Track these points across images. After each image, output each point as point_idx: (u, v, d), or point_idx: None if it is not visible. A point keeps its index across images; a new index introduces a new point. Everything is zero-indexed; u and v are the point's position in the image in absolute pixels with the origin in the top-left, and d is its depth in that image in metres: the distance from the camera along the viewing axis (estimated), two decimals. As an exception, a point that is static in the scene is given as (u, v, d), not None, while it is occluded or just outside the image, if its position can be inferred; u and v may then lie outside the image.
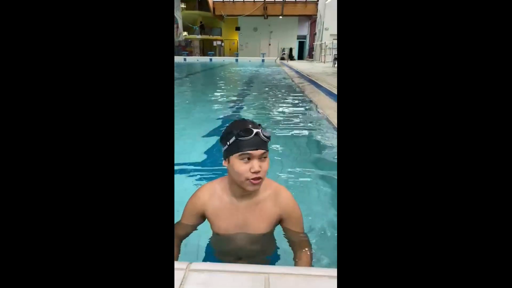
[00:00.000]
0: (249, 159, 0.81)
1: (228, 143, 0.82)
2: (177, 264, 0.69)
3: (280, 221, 0.95)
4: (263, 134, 0.81)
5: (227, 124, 0.87)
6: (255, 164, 0.80)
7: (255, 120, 0.87)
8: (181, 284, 0.63)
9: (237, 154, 0.80)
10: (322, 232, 1.35)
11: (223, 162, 0.87)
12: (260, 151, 0.81)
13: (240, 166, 0.81)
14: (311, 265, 0.90)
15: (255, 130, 0.80)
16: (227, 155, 0.84)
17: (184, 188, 1.86)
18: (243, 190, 0.86)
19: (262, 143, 0.81)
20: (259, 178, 0.82)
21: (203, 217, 0.96)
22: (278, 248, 1.03)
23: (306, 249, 0.92)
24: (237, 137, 0.80)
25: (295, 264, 0.89)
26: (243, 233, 0.93)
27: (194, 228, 0.98)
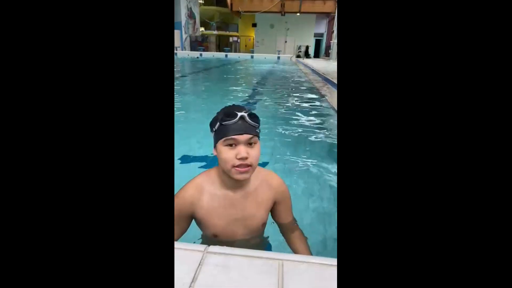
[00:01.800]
0: (234, 145, 0.75)
1: (214, 129, 0.78)
2: (195, 246, 0.73)
3: (272, 207, 0.92)
4: (249, 118, 0.75)
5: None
6: (242, 150, 0.74)
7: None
8: (199, 264, 0.67)
9: (222, 139, 0.75)
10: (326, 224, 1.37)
11: (213, 150, 0.81)
12: (246, 136, 0.75)
13: (226, 153, 0.75)
14: (309, 250, 0.92)
15: (239, 114, 0.75)
16: (214, 142, 0.79)
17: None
18: (235, 180, 0.80)
19: (249, 128, 0.75)
20: (247, 165, 0.76)
21: (190, 219, 0.87)
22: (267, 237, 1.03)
23: (300, 234, 0.93)
24: (221, 121, 0.75)
25: (293, 251, 0.91)
26: (243, 227, 0.87)
27: (182, 233, 0.88)
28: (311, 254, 0.92)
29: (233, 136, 0.74)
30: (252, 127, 0.76)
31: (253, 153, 0.77)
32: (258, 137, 0.80)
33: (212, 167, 0.89)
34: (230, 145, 0.75)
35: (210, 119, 0.82)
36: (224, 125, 0.75)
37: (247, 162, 0.76)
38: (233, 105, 0.82)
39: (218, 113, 0.80)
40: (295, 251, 0.92)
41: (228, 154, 0.76)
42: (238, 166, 0.76)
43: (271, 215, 0.95)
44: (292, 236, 0.93)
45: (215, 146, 0.80)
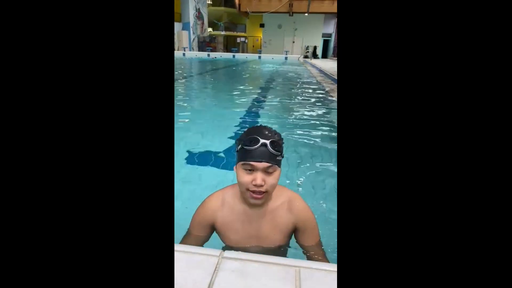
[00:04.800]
0: (251, 170, 0.75)
1: (237, 149, 0.79)
2: (210, 251, 0.73)
3: (295, 232, 0.90)
4: (271, 147, 0.74)
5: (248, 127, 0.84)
6: (258, 177, 0.74)
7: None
8: (215, 269, 0.66)
9: (241, 163, 0.77)
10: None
11: (234, 167, 0.82)
12: (264, 164, 0.74)
13: (242, 176, 0.77)
14: None
15: (262, 141, 0.74)
16: (236, 161, 0.80)
17: (198, 180, 1.91)
18: None
19: (269, 156, 0.74)
20: (261, 192, 0.76)
21: (212, 228, 0.89)
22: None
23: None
24: (243, 145, 0.76)
25: None
26: (258, 246, 0.87)
27: (205, 240, 0.90)
28: None
29: (251, 162, 0.74)
30: (273, 155, 0.75)
31: (270, 181, 0.76)
32: (279, 165, 0.78)
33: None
34: (249, 169, 0.76)
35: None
36: (245, 149, 0.75)
37: (262, 189, 0.76)
38: (263, 126, 0.81)
39: (245, 132, 0.80)
40: None
41: (245, 178, 0.77)
42: (252, 191, 0.77)
43: (295, 238, 0.92)
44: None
45: (235, 164, 0.81)
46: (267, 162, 0.74)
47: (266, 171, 0.75)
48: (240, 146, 0.77)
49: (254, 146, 0.74)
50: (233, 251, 0.73)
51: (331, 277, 0.65)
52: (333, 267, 0.68)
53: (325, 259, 0.88)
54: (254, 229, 0.86)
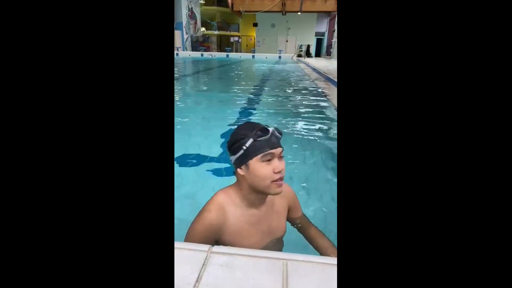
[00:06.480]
0: (269, 160, 0.76)
1: (244, 147, 0.75)
2: (199, 246, 0.73)
3: (288, 211, 0.95)
4: (277, 132, 0.78)
5: (234, 131, 0.81)
6: (279, 163, 0.76)
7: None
8: (203, 264, 0.67)
9: (259, 156, 0.75)
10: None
11: (238, 171, 0.79)
12: (279, 149, 0.77)
13: (263, 169, 0.75)
14: (331, 242, 0.93)
15: (270, 129, 0.77)
16: (243, 161, 0.77)
17: (197, 179, 1.91)
18: (262, 197, 0.82)
19: (278, 141, 0.78)
20: (282, 178, 0.78)
21: (214, 242, 0.83)
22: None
23: (316, 230, 0.97)
24: (255, 138, 0.75)
25: (317, 245, 0.93)
26: (272, 241, 0.88)
27: None
28: (335, 246, 0.92)
29: (271, 151, 0.75)
30: (279, 140, 0.78)
31: (284, 166, 0.78)
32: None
33: (228, 186, 0.87)
34: (268, 160, 0.76)
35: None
36: (260, 141, 0.75)
37: (282, 174, 0.77)
38: (247, 123, 0.81)
39: (240, 131, 0.78)
40: (319, 248, 0.93)
41: (267, 170, 0.75)
42: (276, 180, 0.76)
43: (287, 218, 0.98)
44: (310, 233, 0.96)
45: (242, 166, 0.78)
46: (280, 147, 0.77)
47: (280, 157, 0.78)
48: (251, 141, 0.75)
49: (267, 135, 0.75)
50: (221, 246, 0.73)
51: (318, 268, 0.66)
52: (320, 259, 0.69)
53: (313, 225, 0.99)
54: (265, 226, 0.86)
